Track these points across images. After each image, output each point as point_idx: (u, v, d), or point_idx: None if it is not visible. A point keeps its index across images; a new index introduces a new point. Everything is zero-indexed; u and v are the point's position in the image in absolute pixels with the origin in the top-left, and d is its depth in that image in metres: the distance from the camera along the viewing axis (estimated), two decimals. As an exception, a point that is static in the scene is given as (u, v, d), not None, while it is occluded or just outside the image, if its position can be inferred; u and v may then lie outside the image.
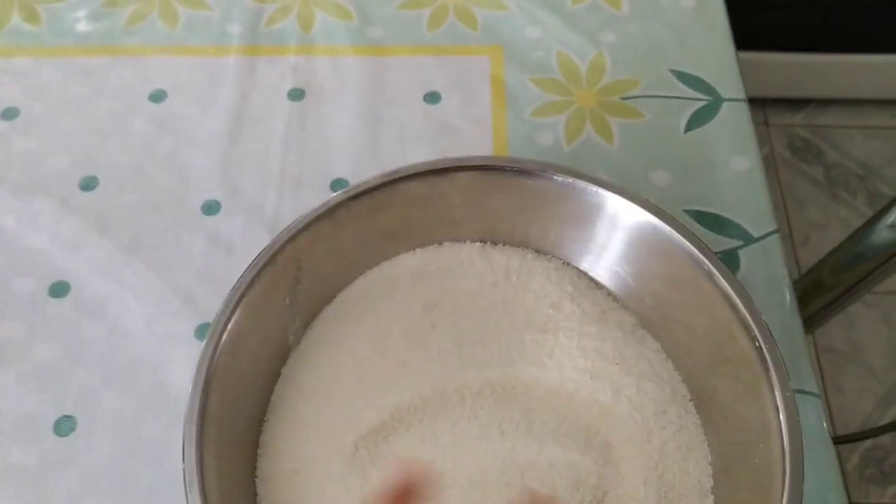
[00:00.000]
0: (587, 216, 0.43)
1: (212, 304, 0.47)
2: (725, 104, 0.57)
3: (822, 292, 0.55)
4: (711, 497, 0.39)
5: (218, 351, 0.37)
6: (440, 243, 0.45)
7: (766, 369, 0.36)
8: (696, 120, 0.57)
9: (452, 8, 0.62)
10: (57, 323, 0.48)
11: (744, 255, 0.51)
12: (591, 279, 0.45)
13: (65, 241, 0.51)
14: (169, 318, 0.48)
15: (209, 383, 0.36)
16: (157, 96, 0.57)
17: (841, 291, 0.54)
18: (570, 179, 0.42)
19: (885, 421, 1.24)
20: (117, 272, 0.50)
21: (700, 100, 0.58)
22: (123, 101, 0.57)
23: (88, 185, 0.53)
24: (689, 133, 0.56)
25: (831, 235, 1.41)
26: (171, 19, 0.62)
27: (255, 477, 0.39)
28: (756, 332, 0.37)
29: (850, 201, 1.44)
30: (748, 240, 0.51)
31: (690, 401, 0.41)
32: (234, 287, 0.39)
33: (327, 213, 0.41)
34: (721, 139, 0.56)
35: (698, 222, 0.52)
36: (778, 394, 0.36)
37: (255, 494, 0.39)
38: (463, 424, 0.40)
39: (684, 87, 0.58)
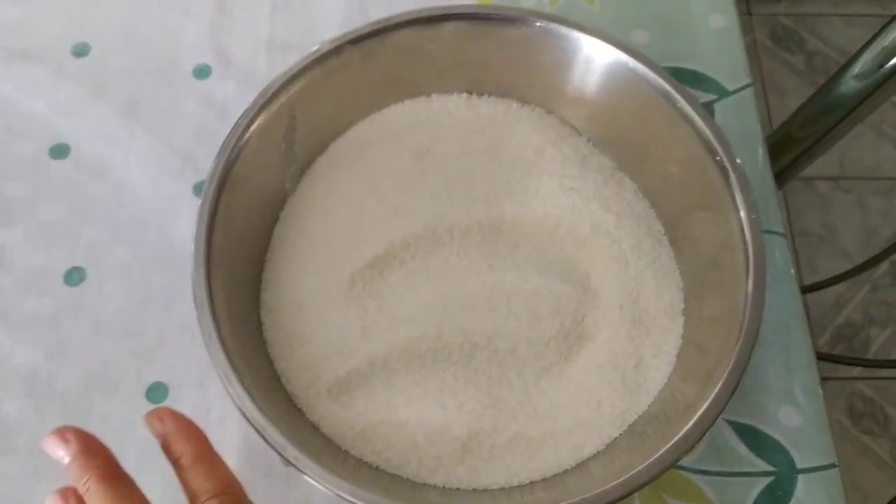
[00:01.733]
0: (566, 62, 0.45)
1: (209, 163, 0.48)
2: (705, -32, 0.59)
3: (792, 146, 0.58)
4: (682, 318, 0.42)
5: (220, 191, 0.40)
6: (428, 95, 0.47)
7: (732, 193, 0.39)
8: (677, -16, 0.58)
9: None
10: (60, 183, 0.50)
11: (719, 108, 0.53)
12: (573, 126, 0.47)
13: (62, 106, 0.52)
14: (169, 177, 0.50)
15: (212, 221, 0.39)
16: (145, -35, 0.58)
17: (810, 144, 0.57)
18: (551, 25, 0.44)
19: (857, 300, 1.29)
20: (116, 134, 0.51)
21: (679, -35, 0.59)
22: (111, -30, 0.57)
23: (81, 51, 0.54)
24: (668, -8, 0.57)
25: (809, 123, 1.42)
26: None
27: (260, 309, 0.42)
28: (721, 154, 0.40)
29: (828, 90, 1.46)
30: (723, 93, 0.53)
31: (665, 234, 0.45)
32: (230, 132, 0.41)
33: (317, 62, 0.43)
34: (701, -1, 0.57)
35: (676, 77, 0.54)
36: (743, 214, 0.39)
37: (261, 324, 0.42)
38: (453, 259, 0.43)
39: (664, -53, 0.59)
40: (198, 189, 0.50)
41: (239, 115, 0.42)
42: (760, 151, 0.52)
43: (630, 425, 0.40)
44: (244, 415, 0.35)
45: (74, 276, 0.47)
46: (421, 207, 0.43)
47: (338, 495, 0.34)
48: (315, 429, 0.40)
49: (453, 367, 0.41)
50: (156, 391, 0.44)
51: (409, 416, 0.40)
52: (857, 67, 0.52)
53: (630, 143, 0.46)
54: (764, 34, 1.52)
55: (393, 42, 0.44)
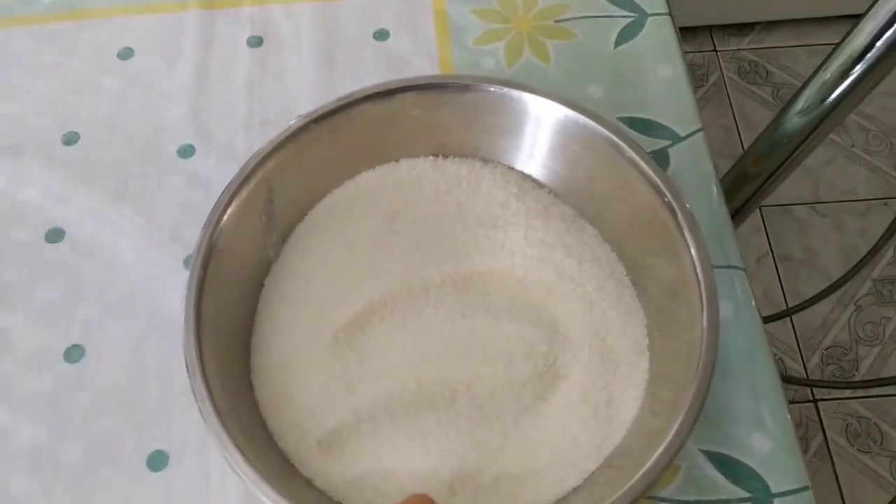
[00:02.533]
0: (520, 121, 0.48)
1: (196, 236, 0.51)
2: (650, 19, 0.62)
3: (747, 182, 0.61)
4: (647, 353, 0.45)
5: (206, 263, 0.42)
6: (397, 160, 0.50)
7: (682, 232, 0.42)
8: (625, 36, 0.62)
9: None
10: (55, 265, 0.52)
11: (673, 153, 0.56)
12: (534, 180, 0.50)
13: (55, 193, 0.55)
14: (159, 253, 0.53)
15: (200, 292, 0.41)
16: (125, 54, 0.61)
17: (764, 179, 0.60)
18: (503, 89, 0.47)
19: (842, 321, 1.31)
20: (107, 216, 0.54)
21: (627, 17, 0.63)
22: (94, 62, 0.61)
23: (70, 140, 0.57)
24: (619, 48, 0.61)
25: (783, 152, 1.46)
26: (130, -22, 0.65)
27: (250, 371, 0.45)
28: (669, 196, 0.43)
29: (798, 117, 1.50)
30: (676, 139, 0.57)
31: (626, 275, 0.47)
32: (213, 207, 0.44)
33: (291, 137, 0.46)
34: (648, 51, 0.61)
35: (631, 127, 0.57)
36: (694, 252, 0.42)
37: (251, 386, 0.44)
38: (429, 312, 0.46)
39: (612, 7, 0.63)
40: (187, 262, 0.52)
41: (221, 189, 0.45)
42: (714, 190, 0.55)
43: (606, 458, 0.42)
44: (239, 475, 0.37)
45: (74, 354, 0.50)
46: (395, 266, 0.46)
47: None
48: (308, 483, 0.42)
49: (435, 413, 0.43)
50: (157, 459, 0.46)
51: (396, 464, 0.42)
52: (801, 104, 0.55)
53: (588, 191, 0.49)
54: (731, 70, 1.57)
55: (358, 115, 0.47)
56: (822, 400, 1.24)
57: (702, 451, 0.47)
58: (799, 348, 1.29)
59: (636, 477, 0.38)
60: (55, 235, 0.54)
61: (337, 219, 0.48)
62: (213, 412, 0.38)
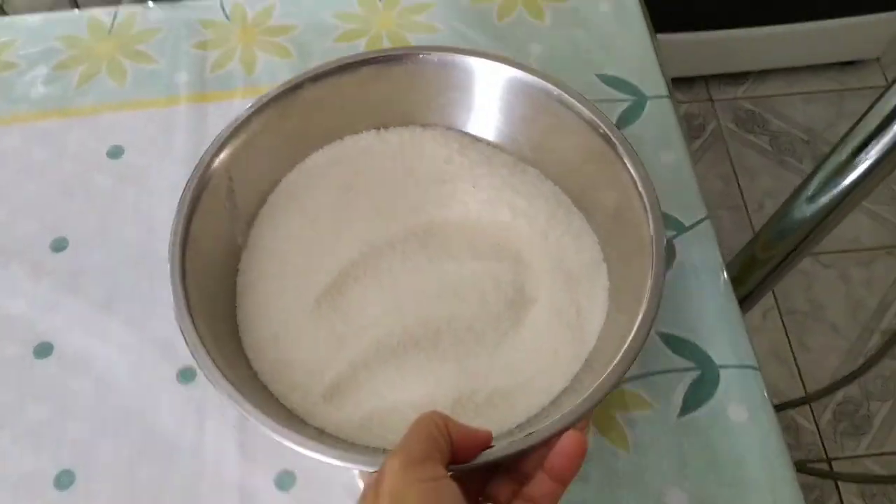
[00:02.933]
0: (453, 82, 0.52)
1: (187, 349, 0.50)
2: (650, 101, 0.61)
3: (757, 268, 0.59)
4: (604, 264, 0.48)
5: (183, 256, 0.45)
6: (341, 138, 0.54)
7: (620, 157, 0.47)
8: (624, 119, 0.60)
9: (386, 35, 0.66)
10: (45, 382, 0.51)
11: (679, 244, 0.55)
12: (473, 136, 0.54)
13: (43, 304, 0.53)
14: (151, 367, 0.51)
15: (184, 277, 0.44)
16: (115, 152, 0.60)
17: (774, 265, 0.58)
18: (433, 55, 0.52)
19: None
20: (96, 329, 0.52)
21: (626, 100, 0.61)
22: (83, 161, 0.59)
23: (59, 246, 0.56)
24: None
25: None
26: (120, 76, 0.64)
27: (243, 347, 0.47)
28: (604, 128, 0.48)
29: (798, 166, 1.49)
30: (681, 229, 0.55)
31: (573, 204, 0.51)
32: (178, 204, 0.46)
33: (241, 126, 0.49)
34: (648, 135, 0.59)
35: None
36: (633, 170, 0.46)
37: (248, 358, 0.46)
38: (398, 265, 0.49)
39: (610, 90, 0.62)
40: (182, 374, 0.50)
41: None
42: (723, 283, 0.53)
43: (586, 361, 0.45)
44: (261, 428, 0.39)
45: (64, 480, 0.48)
46: (358, 230, 0.50)
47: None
48: (321, 431, 0.44)
49: (424, 351, 0.46)
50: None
51: (397, 400, 0.44)
52: (812, 188, 0.53)
53: (526, 138, 0.53)
54: (727, 119, 1.56)
55: (303, 98, 0.51)
56: (836, 459, 1.22)
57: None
58: (810, 405, 1.27)
59: (612, 366, 0.40)
60: (44, 350, 0.52)
61: (296, 199, 0.52)
62: (222, 380, 0.40)
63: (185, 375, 0.51)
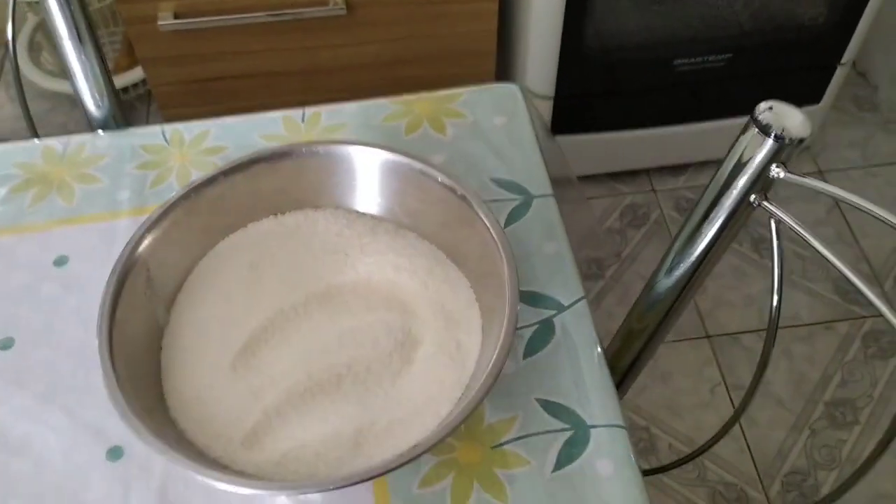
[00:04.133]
0: (336, 169, 0.63)
1: (117, 430, 0.56)
2: (536, 200, 0.69)
3: (635, 338, 0.66)
4: (476, 304, 0.58)
5: (110, 337, 0.52)
6: (245, 226, 0.63)
7: (479, 215, 0.57)
8: (514, 216, 0.68)
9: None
10: (-11, 466, 0.56)
11: (558, 322, 0.62)
12: (358, 212, 0.64)
13: (-10, 396, 0.60)
14: (83, 448, 0.57)
15: (112, 357, 0.51)
16: (61, 261, 0.67)
17: (650, 333, 0.65)
18: (315, 148, 0.62)
19: (798, 446, 1.33)
20: (37, 417, 0.59)
21: (515, 199, 0.69)
22: (31, 271, 0.66)
23: (6, 345, 0.62)
24: (508, 228, 0.67)
25: (727, 282, 1.53)
26: (68, 195, 0.71)
27: (168, 410, 0.54)
28: (460, 190, 0.58)
29: (738, 248, 1.57)
30: (560, 308, 0.62)
31: (448, 258, 0.61)
32: (104, 291, 0.53)
33: (154, 225, 0.58)
34: (535, 228, 0.67)
35: (521, 301, 0.63)
36: (485, 220, 0.56)
37: (173, 419, 0.53)
38: (303, 325, 0.57)
39: (501, 191, 0.70)
40: (110, 453, 0.57)
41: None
42: (596, 355, 0.60)
43: (466, 386, 0.53)
44: (191, 473, 0.46)
45: (1, 558, 0.53)
46: (267, 300, 0.58)
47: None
48: (242, 474, 0.50)
49: (328, 394, 0.54)
50: None
51: (307, 437, 0.52)
52: (666, 266, 0.60)
53: (402, 208, 0.63)
54: (670, 207, 1.65)
55: (205, 196, 0.60)
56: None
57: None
58: (759, 477, 1.30)
59: (477, 387, 0.49)
60: (-12, 437, 0.58)
61: (210, 280, 0.60)
62: (151, 437, 0.47)
63: (113, 455, 0.57)
